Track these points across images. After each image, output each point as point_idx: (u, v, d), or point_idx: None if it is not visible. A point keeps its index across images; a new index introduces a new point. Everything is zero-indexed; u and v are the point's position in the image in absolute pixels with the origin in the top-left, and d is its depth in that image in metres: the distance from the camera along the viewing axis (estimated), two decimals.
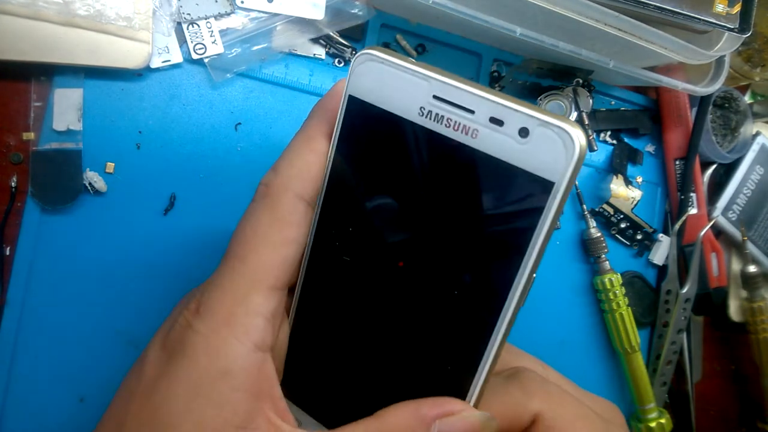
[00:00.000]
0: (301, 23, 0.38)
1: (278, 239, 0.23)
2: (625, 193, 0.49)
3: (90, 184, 0.34)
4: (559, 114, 0.44)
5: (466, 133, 0.19)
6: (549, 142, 0.17)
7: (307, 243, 0.24)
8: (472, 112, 0.19)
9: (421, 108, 0.20)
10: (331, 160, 0.23)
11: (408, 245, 0.21)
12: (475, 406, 0.22)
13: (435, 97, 0.19)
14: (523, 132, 0.18)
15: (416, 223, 0.21)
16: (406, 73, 0.20)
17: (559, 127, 0.17)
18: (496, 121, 0.18)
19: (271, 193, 0.23)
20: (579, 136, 0.17)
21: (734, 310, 0.55)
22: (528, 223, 0.18)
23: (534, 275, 0.19)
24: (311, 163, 0.23)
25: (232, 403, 0.21)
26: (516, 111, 0.18)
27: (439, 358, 0.21)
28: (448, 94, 0.19)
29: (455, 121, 0.19)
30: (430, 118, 0.20)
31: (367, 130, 0.22)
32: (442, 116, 0.19)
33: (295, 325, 0.25)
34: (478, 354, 0.20)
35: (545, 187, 0.18)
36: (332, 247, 0.23)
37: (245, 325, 0.22)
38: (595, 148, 0.45)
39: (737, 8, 0.38)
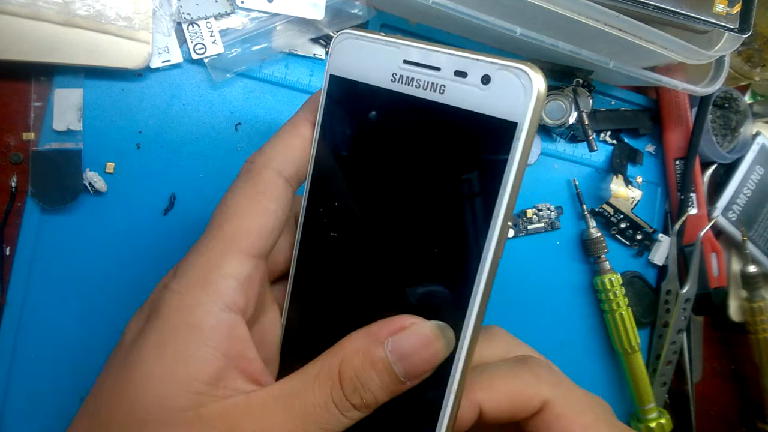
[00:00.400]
0: (301, 23, 0.38)
1: (256, 209, 0.24)
2: (625, 193, 0.49)
3: (90, 184, 0.34)
4: (559, 114, 0.44)
5: (435, 90, 0.20)
6: (509, 84, 0.18)
7: (298, 223, 0.25)
8: (438, 69, 0.20)
9: (393, 74, 0.21)
10: (317, 139, 0.24)
11: (390, 208, 0.22)
12: (465, 358, 0.21)
13: (405, 61, 0.20)
14: (485, 79, 0.19)
15: (396, 187, 0.22)
16: (378, 44, 0.21)
17: (517, 68, 0.18)
18: (460, 74, 0.19)
19: (252, 168, 0.25)
20: (536, 76, 0.18)
21: (734, 310, 0.55)
22: (498, 168, 0.19)
23: (509, 223, 0.19)
24: (294, 145, 0.25)
25: (200, 358, 0.21)
26: (477, 60, 0.19)
27: (429, 314, 0.22)
28: (415, 56, 0.20)
29: (424, 81, 0.20)
30: (402, 82, 0.21)
31: (348, 105, 0.23)
32: (412, 78, 0.20)
33: (291, 299, 0.26)
34: (464, 306, 0.21)
35: (509, 128, 0.18)
36: (321, 225, 0.25)
37: (217, 285, 0.22)
38: (595, 148, 0.45)
39: (737, 8, 0.38)
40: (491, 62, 0.18)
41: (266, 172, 0.25)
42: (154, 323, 0.22)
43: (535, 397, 0.25)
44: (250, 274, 0.24)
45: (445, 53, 0.20)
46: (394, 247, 0.22)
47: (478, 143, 0.19)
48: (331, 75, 0.23)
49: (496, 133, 0.19)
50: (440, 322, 0.22)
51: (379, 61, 0.21)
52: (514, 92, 0.18)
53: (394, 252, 0.22)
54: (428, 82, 0.20)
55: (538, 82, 0.18)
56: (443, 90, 0.20)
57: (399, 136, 0.22)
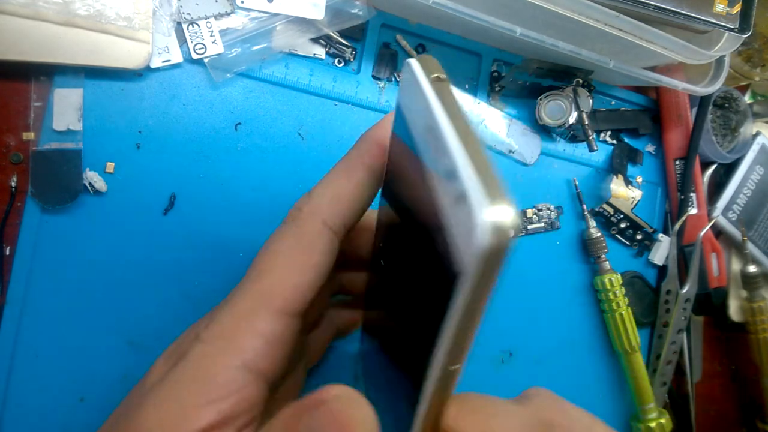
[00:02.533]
0: (301, 23, 0.38)
1: (297, 263, 0.22)
2: (625, 193, 0.49)
3: (90, 184, 0.34)
4: (559, 114, 0.44)
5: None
6: (466, 220, 0.13)
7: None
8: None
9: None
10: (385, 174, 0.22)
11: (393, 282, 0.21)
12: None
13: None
14: (461, 199, 0.13)
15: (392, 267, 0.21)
16: (417, 92, 0.16)
17: (473, 204, 0.12)
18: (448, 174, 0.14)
19: (300, 216, 0.23)
20: (497, 223, 0.12)
21: (734, 310, 0.55)
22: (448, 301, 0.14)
23: (457, 366, 0.16)
24: (344, 193, 0.23)
25: (197, 414, 0.21)
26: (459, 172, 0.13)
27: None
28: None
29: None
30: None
31: (397, 150, 0.20)
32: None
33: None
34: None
35: (454, 274, 0.13)
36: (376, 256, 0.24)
37: (241, 341, 0.21)
38: (595, 148, 0.45)
39: (737, 8, 0.38)
40: (469, 182, 0.13)
41: (312, 223, 0.23)
42: (174, 371, 0.22)
43: (539, 425, 0.22)
44: (282, 333, 0.22)
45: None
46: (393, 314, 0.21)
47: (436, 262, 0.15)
48: (396, 107, 0.19)
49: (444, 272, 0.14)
50: (364, 401, 0.19)
51: (414, 111, 0.17)
52: (468, 233, 0.12)
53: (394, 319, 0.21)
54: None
55: (497, 230, 0.12)
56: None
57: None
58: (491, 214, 0.12)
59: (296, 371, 0.30)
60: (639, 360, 0.48)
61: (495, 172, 0.13)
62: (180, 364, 0.22)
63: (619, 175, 0.49)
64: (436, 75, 0.16)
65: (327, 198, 0.23)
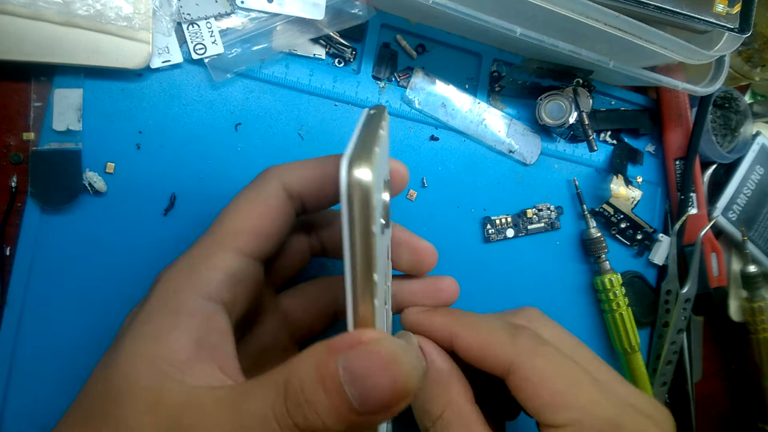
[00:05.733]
0: (301, 23, 0.38)
1: (253, 212, 0.25)
2: (625, 193, 0.49)
3: (90, 184, 0.34)
4: (559, 114, 0.44)
5: None
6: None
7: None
8: None
9: None
10: None
11: None
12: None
13: None
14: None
15: None
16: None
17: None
18: None
19: (263, 176, 0.27)
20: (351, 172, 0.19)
21: (734, 310, 0.55)
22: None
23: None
24: (309, 164, 0.27)
25: (171, 341, 0.21)
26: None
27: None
28: None
29: None
30: None
31: None
32: None
33: None
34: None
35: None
36: None
37: (202, 274, 0.23)
38: (595, 148, 0.45)
39: (737, 8, 0.38)
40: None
41: (272, 183, 0.26)
42: (142, 308, 0.23)
43: (502, 356, 0.25)
44: (240, 271, 0.24)
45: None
46: None
47: None
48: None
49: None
50: (402, 343, 0.20)
51: None
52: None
53: None
54: None
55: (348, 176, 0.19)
56: None
57: None
58: (351, 168, 0.19)
59: (282, 343, 0.31)
60: (639, 360, 0.48)
61: (368, 150, 0.20)
62: (146, 303, 0.23)
63: (619, 175, 0.49)
64: (374, 110, 0.25)
65: (289, 165, 0.27)
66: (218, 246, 0.24)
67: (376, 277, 0.20)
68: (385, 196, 0.24)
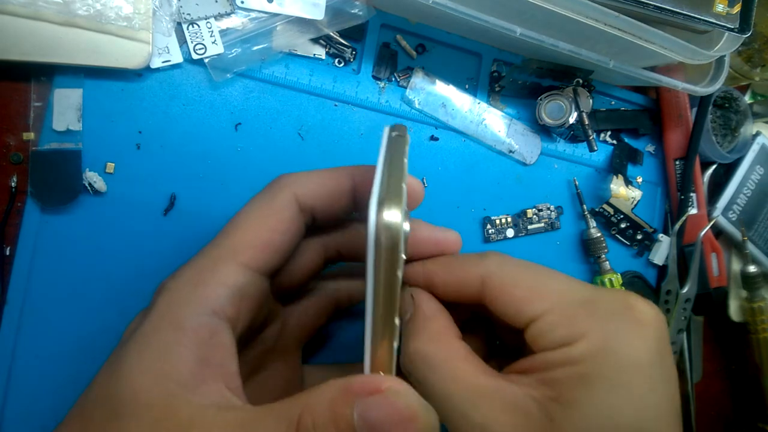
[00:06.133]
0: (301, 23, 0.38)
1: (263, 225, 0.24)
2: (625, 193, 0.49)
3: (90, 184, 0.34)
4: (559, 114, 0.44)
5: None
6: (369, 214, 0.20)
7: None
8: None
9: None
10: None
11: None
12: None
13: None
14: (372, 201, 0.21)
15: None
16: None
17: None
18: None
19: (274, 186, 0.26)
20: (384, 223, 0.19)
21: (734, 310, 0.55)
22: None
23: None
24: (322, 175, 0.26)
25: (177, 358, 0.21)
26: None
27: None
28: None
29: None
30: None
31: None
32: None
33: None
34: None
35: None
36: None
37: (207, 289, 0.23)
38: (595, 148, 0.45)
39: (737, 8, 0.38)
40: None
41: (284, 193, 0.25)
42: (145, 320, 0.23)
43: (474, 276, 0.25)
44: (246, 286, 0.24)
45: None
46: None
47: None
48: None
49: None
50: (422, 401, 0.19)
51: None
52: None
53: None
54: None
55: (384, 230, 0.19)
56: None
57: None
58: (380, 212, 0.19)
59: (285, 346, 0.30)
60: None
61: (398, 190, 0.19)
62: (150, 314, 0.22)
63: (619, 175, 0.49)
64: (396, 132, 0.24)
65: (302, 176, 0.26)
66: (225, 260, 0.24)
67: (397, 321, 0.20)
68: (406, 226, 0.23)
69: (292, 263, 0.28)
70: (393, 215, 0.18)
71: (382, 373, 0.21)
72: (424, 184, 0.43)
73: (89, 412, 0.22)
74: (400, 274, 0.19)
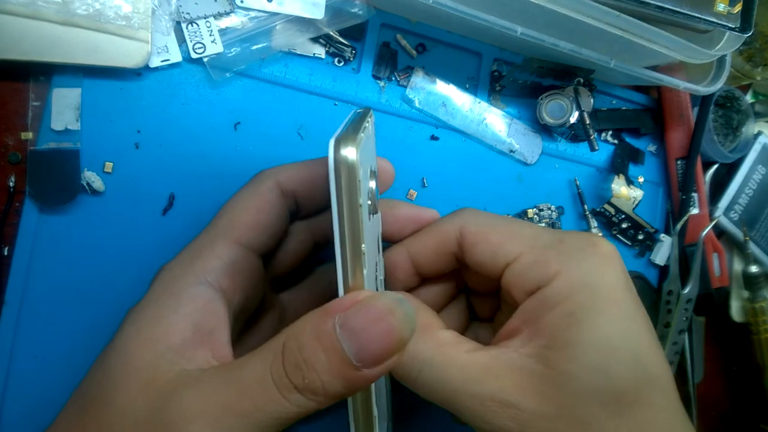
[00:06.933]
0: (301, 22, 0.38)
1: (250, 207, 0.27)
2: (626, 192, 0.49)
3: (88, 184, 0.34)
4: (560, 114, 0.44)
5: None
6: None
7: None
8: None
9: None
10: None
11: None
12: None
13: None
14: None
15: None
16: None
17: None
18: None
19: (259, 176, 0.29)
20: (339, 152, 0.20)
21: (736, 311, 0.55)
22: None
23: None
24: (302, 166, 0.29)
25: (170, 323, 0.22)
26: None
27: None
28: None
29: None
30: None
31: None
32: None
33: None
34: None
35: None
36: None
37: (202, 262, 0.24)
38: (597, 148, 0.45)
39: (738, 7, 0.38)
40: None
41: (268, 181, 0.28)
42: (144, 297, 0.24)
43: (451, 231, 0.27)
44: (239, 261, 0.25)
45: None
46: None
47: None
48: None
49: None
50: (399, 295, 0.21)
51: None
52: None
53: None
54: None
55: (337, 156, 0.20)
56: None
57: None
58: (337, 147, 0.20)
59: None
60: None
61: (354, 135, 0.21)
62: (149, 290, 0.24)
63: (621, 175, 0.49)
64: (360, 110, 0.27)
65: (283, 166, 0.29)
66: (217, 237, 0.26)
67: (364, 247, 0.21)
68: (372, 184, 0.25)
69: (283, 246, 0.30)
70: (349, 151, 0.20)
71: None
72: (424, 184, 0.42)
73: (85, 388, 0.23)
74: (361, 201, 0.20)
